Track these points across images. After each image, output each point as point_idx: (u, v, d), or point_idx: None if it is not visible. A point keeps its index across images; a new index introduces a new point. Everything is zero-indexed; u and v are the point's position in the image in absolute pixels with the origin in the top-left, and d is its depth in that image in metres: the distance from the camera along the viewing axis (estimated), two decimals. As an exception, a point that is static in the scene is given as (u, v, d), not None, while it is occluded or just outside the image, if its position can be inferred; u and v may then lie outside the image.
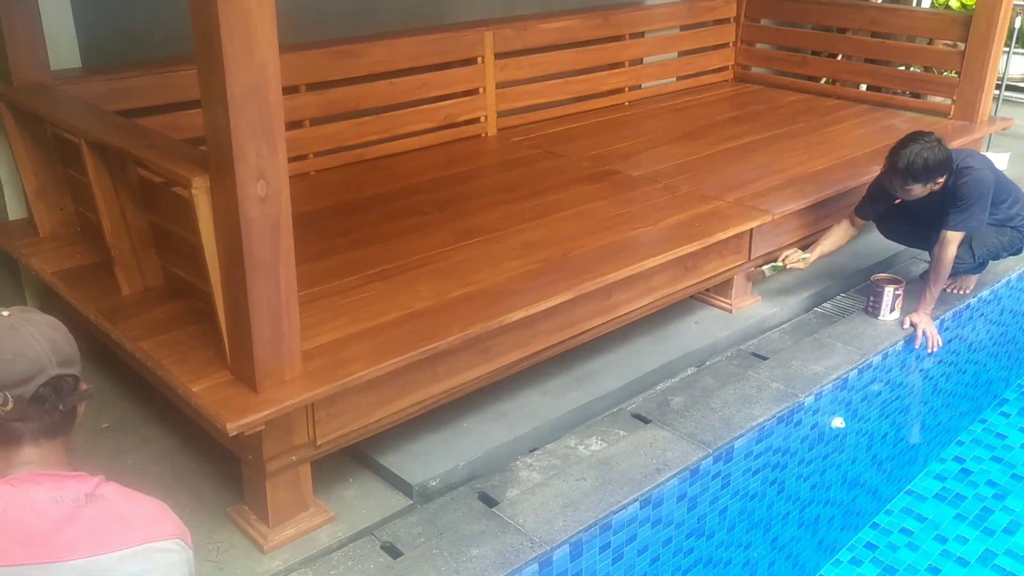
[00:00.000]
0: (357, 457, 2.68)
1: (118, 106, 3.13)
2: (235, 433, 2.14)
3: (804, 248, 3.51)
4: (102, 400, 2.96)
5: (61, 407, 1.38)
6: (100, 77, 3.21)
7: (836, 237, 3.46)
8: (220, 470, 2.61)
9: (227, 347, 2.31)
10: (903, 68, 5.08)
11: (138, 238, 2.70)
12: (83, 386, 1.44)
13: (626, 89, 4.97)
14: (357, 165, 3.93)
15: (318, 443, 2.38)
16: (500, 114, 4.42)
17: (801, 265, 3.42)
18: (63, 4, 3.22)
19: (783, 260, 3.42)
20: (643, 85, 5.08)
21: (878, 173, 3.34)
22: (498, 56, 4.33)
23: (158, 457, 2.72)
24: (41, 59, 3.00)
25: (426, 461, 2.64)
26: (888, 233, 3.63)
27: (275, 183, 2.11)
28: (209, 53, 1.97)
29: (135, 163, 2.59)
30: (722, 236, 3.25)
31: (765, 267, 3.46)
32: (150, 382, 2.64)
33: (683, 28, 5.22)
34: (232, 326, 2.26)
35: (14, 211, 3.29)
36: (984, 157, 3.45)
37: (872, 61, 5.08)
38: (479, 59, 4.27)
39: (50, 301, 3.21)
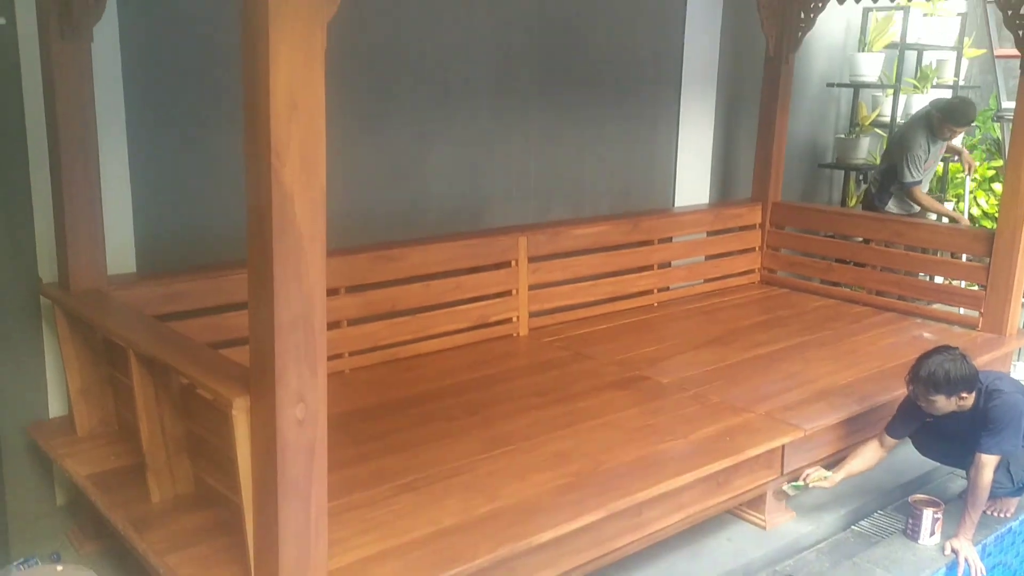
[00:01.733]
0: None
1: (168, 309, 3.26)
2: (255, 663, 2.08)
3: (831, 466, 3.46)
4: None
5: None
6: (153, 282, 3.35)
7: (865, 458, 3.42)
8: None
9: (252, 567, 2.29)
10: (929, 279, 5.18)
11: (173, 445, 2.74)
12: None
13: (655, 291, 5.09)
14: (391, 364, 4.00)
15: (338, 671, 2.31)
16: (532, 314, 4.53)
17: (825, 484, 3.37)
18: (125, 212, 3.43)
19: (805, 479, 3.37)
20: (671, 287, 5.20)
21: (909, 392, 3.34)
22: (531, 260, 4.49)
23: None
24: (99, 266, 3.16)
25: None
26: (923, 450, 3.59)
27: (313, 405, 2.16)
28: (261, 283, 2.08)
29: (173, 371, 2.67)
30: (753, 452, 3.23)
31: (786, 487, 3.40)
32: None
33: (710, 233, 5.40)
34: (260, 545, 2.26)
35: (55, 409, 3.37)
36: (1015, 380, 3.45)
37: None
38: (513, 262, 4.42)
39: (79, 499, 3.23)
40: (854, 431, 3.62)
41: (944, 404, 3.21)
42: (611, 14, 4.94)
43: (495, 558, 2.52)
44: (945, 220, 5.74)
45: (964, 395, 3.19)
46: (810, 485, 3.36)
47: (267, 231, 2.03)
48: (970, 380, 3.18)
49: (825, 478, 3.36)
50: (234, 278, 3.49)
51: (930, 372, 3.16)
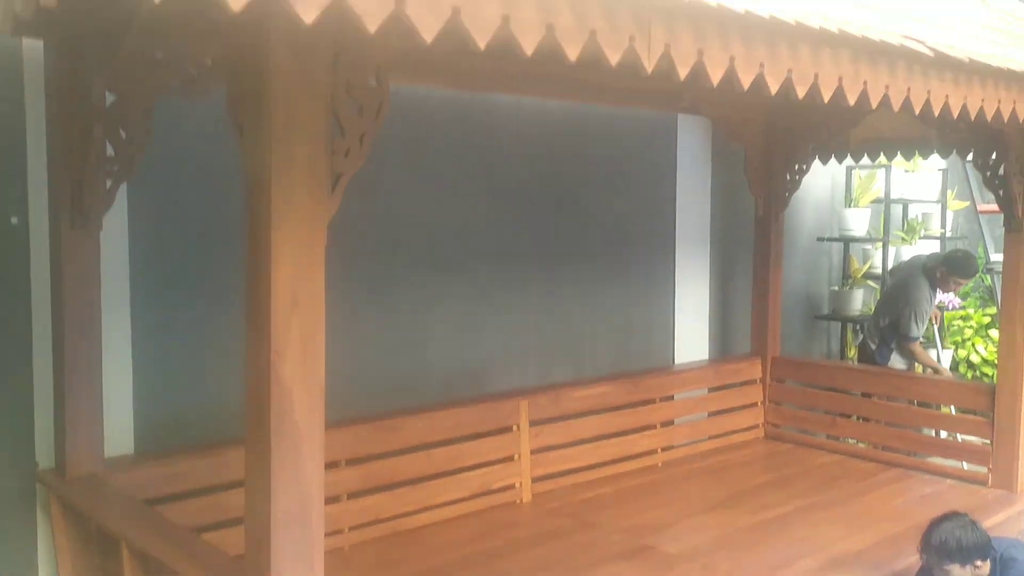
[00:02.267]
0: None
1: (167, 490, 3.22)
2: None
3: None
4: None
5: None
6: (151, 464, 3.33)
7: None
8: None
9: None
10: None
11: (166, 639, 2.65)
12: None
13: (658, 450, 5.03)
14: (392, 538, 3.90)
15: None
16: (535, 479, 4.46)
17: None
18: (125, 392, 3.44)
19: None
20: (675, 445, 5.14)
21: (922, 562, 3.26)
22: (533, 423, 4.46)
23: None
24: (97, 450, 3.15)
25: None
26: None
27: (310, 604, 2.11)
28: (257, 476, 2.07)
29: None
30: (767, 630, 3.12)
31: None
32: None
33: (711, 389, 5.40)
34: None
35: (46, 597, 3.28)
36: (1030, 546, 3.37)
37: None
38: (514, 427, 4.40)
39: None
40: (870, 602, 3.51)
41: (959, 573, 3.12)
42: (604, 179, 5.13)
43: None
44: (929, 371, 5.76)
45: (979, 563, 3.11)
46: None
47: (265, 425, 2.04)
48: (983, 547, 3.11)
49: None
50: (232, 455, 3.44)
51: (942, 541, 3.09)
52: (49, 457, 3.25)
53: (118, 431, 3.38)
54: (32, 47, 3.18)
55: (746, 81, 2.05)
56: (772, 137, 5.26)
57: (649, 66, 1.86)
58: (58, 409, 3.12)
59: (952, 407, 5.21)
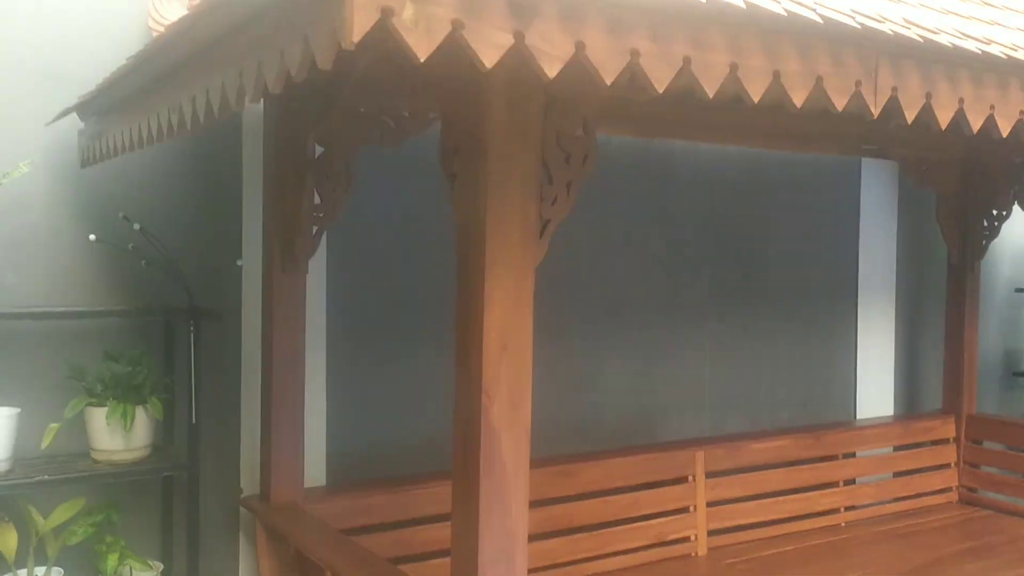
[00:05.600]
0: None
1: (357, 523, 3.34)
2: None
3: None
4: None
5: None
6: (344, 496, 3.47)
7: None
8: None
9: None
10: None
11: (361, 670, 2.73)
12: None
13: (841, 510, 4.79)
14: (567, 586, 3.89)
15: None
16: (711, 533, 4.34)
17: None
18: (320, 427, 3.61)
19: None
20: (859, 506, 4.88)
21: None
22: (709, 475, 4.35)
23: None
24: (298, 480, 3.31)
25: None
26: None
27: (512, 641, 2.12)
28: (465, 519, 2.12)
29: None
30: None
31: None
32: None
33: (896, 448, 5.10)
34: None
35: (246, 618, 3.46)
36: None
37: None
38: (690, 477, 4.31)
39: None
40: None
41: None
42: (784, 226, 5.00)
43: None
44: None
45: None
46: None
47: (473, 466, 2.08)
48: None
49: None
50: (418, 493, 3.57)
51: None
52: (252, 486, 3.45)
53: (312, 464, 3.54)
54: (250, 106, 3.45)
55: (976, 124, 1.96)
56: (968, 181, 4.98)
57: (875, 110, 1.81)
58: (264, 440, 3.31)
59: None
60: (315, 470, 3.60)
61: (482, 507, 2.07)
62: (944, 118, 1.92)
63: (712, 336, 4.79)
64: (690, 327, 4.73)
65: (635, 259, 4.54)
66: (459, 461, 2.15)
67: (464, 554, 2.12)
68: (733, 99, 1.77)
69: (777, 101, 1.70)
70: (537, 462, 4.01)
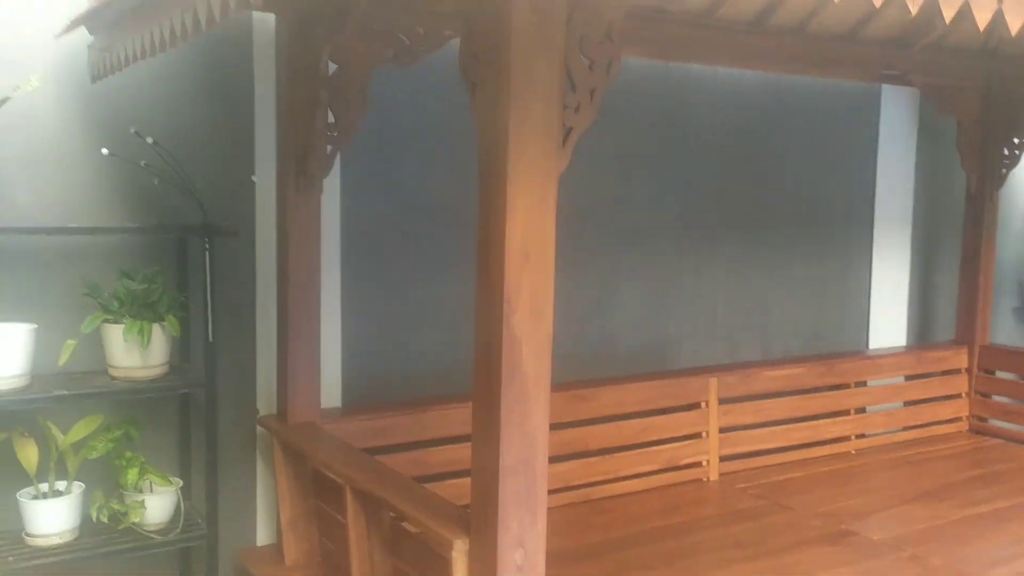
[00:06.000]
0: None
1: (372, 443, 3.36)
2: None
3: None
4: None
5: None
6: (359, 417, 3.48)
7: None
8: None
9: None
10: None
11: (380, 581, 2.77)
12: None
13: (852, 438, 4.81)
14: (582, 505, 3.93)
15: None
16: (723, 458, 4.37)
17: None
18: (335, 350, 3.62)
19: None
20: (869, 434, 4.91)
21: None
22: (722, 401, 4.37)
23: None
24: (315, 400, 3.32)
25: None
26: None
27: (532, 553, 2.14)
28: (486, 426, 2.12)
29: (389, 509, 2.72)
30: (990, 626, 2.92)
31: None
32: None
33: (908, 378, 5.10)
34: None
35: (263, 536, 3.50)
36: None
37: None
38: (703, 404, 4.32)
39: (282, 630, 3.30)
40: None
41: None
42: (801, 154, 4.93)
43: None
44: None
45: None
46: None
47: (495, 375, 2.08)
48: None
49: None
50: (435, 414, 3.59)
51: None
52: (268, 406, 3.46)
53: (328, 386, 3.55)
54: (261, 20, 3.38)
55: (1015, 26, 1.89)
56: (989, 108, 4.89)
57: (914, 9, 1.74)
58: (280, 362, 3.31)
59: None
60: (331, 392, 3.61)
61: (503, 416, 2.07)
62: (983, 19, 1.85)
63: (726, 264, 4.76)
64: (704, 255, 4.70)
65: (649, 186, 4.49)
66: (481, 370, 2.14)
67: (484, 463, 2.13)
68: (756, 20, 1.70)
69: (805, 17, 1.63)
70: (554, 387, 4.05)
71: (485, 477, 2.13)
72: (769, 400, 4.54)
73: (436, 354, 3.89)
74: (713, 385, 4.35)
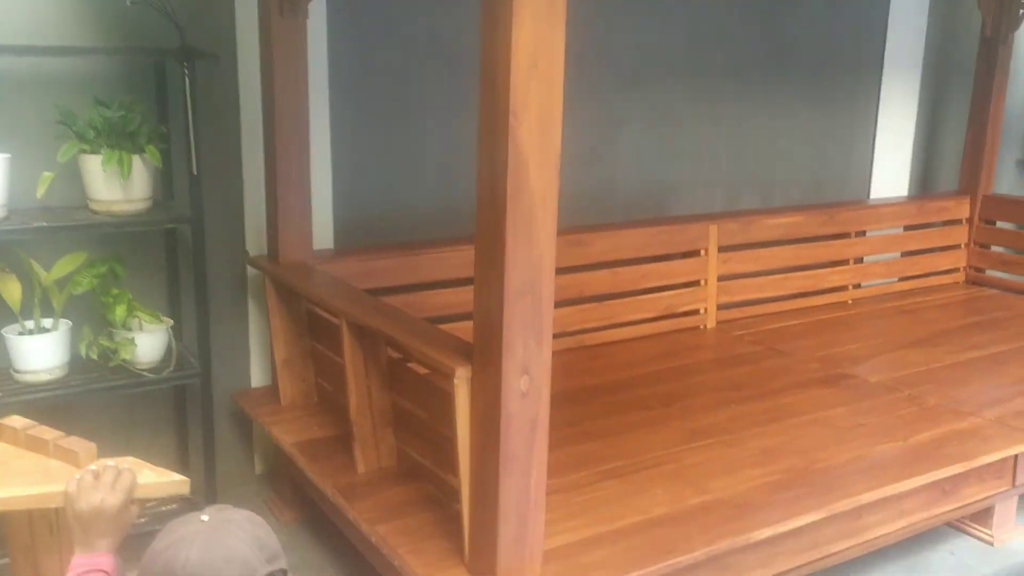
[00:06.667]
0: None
1: (366, 285, 3.26)
2: (475, 640, 2.02)
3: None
4: (318, 576, 2.94)
5: None
6: (352, 258, 3.39)
7: None
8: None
9: (467, 541, 2.23)
10: None
11: (379, 417, 2.74)
12: None
13: (849, 287, 4.78)
14: (579, 351, 3.91)
15: (549, 657, 2.22)
16: (720, 307, 4.33)
17: None
18: (325, 189, 3.48)
19: None
20: (865, 284, 4.87)
21: None
22: (721, 249, 4.29)
23: (373, 647, 2.62)
24: (306, 239, 3.21)
25: None
26: None
27: (538, 379, 2.08)
28: (491, 247, 2.01)
29: (387, 344, 2.66)
30: (987, 459, 2.93)
31: None
32: (367, 559, 2.59)
33: (907, 228, 5.02)
34: (476, 520, 2.19)
35: (256, 379, 3.46)
36: None
37: None
38: (702, 251, 4.24)
39: (278, 468, 3.30)
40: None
41: None
42: (810, -6, 4.68)
43: (711, 552, 2.36)
44: None
45: None
46: None
47: (500, 193, 1.96)
48: None
49: None
50: (430, 256, 3.50)
51: None
52: (259, 247, 3.35)
53: (319, 228, 3.43)
54: None
55: None
56: (1012, -58, 4.62)
57: None
58: (270, 199, 3.18)
59: None
60: (322, 234, 3.49)
61: (508, 236, 1.96)
62: None
63: (730, 110, 4.58)
64: (708, 101, 4.51)
65: (654, 28, 4.25)
66: (485, 191, 2.02)
67: (488, 287, 2.04)
68: None
69: None
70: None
71: (489, 301, 2.04)
72: (768, 248, 4.46)
73: (431, 199, 3.76)
74: (713, 232, 4.25)
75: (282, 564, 1.37)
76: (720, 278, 4.31)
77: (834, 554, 2.72)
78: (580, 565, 2.25)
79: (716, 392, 3.47)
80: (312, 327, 3.16)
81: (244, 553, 1.31)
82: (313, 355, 3.21)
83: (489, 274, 2.02)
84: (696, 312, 4.28)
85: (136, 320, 2.92)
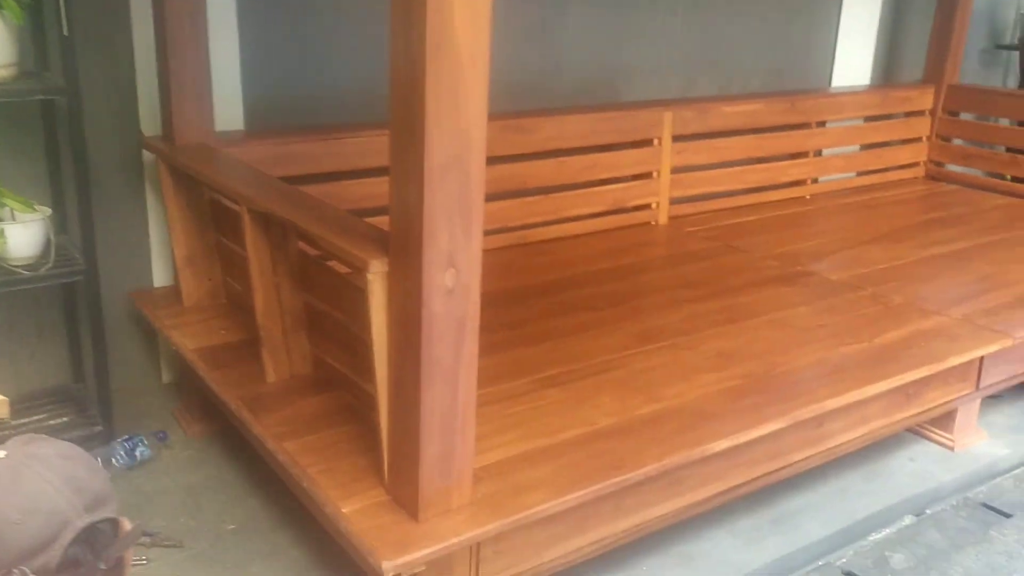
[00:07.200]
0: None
1: (279, 172, 2.87)
2: (392, 574, 1.75)
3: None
4: (229, 495, 2.65)
5: (103, 565, 1.02)
6: (263, 141, 2.99)
7: None
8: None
9: (386, 460, 1.95)
10: None
11: (290, 320, 2.41)
12: (126, 526, 1.07)
13: (808, 181, 4.51)
14: (520, 248, 3.60)
15: (481, 586, 1.97)
16: (673, 201, 4.04)
17: None
18: (232, 64, 3.04)
19: None
20: (823, 179, 4.61)
21: None
22: (675, 139, 3.97)
23: (288, 573, 2.35)
24: (207, 119, 2.81)
25: (600, 613, 2.20)
26: None
27: (466, 273, 1.76)
28: (407, 116, 1.66)
29: (297, 237, 2.31)
30: (956, 361, 2.73)
31: None
32: (283, 479, 2.31)
33: (868, 119, 4.75)
34: (395, 436, 1.90)
35: (159, 278, 3.09)
36: None
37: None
38: (655, 141, 3.92)
39: (186, 377, 2.97)
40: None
41: None
42: None
43: (663, 467, 2.12)
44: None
45: None
46: None
47: (418, 48, 1.59)
48: None
49: None
50: (351, 141, 3.12)
51: None
52: (155, 128, 2.93)
53: (225, 103, 3.02)
54: None
55: None
56: None
57: None
58: (161, 65, 2.75)
59: None
60: (229, 113, 3.08)
61: (429, 100, 1.61)
62: None
63: (685, -12, 4.19)
64: (662, -24, 4.11)
65: None
66: (399, 48, 1.65)
67: (406, 165, 1.69)
68: None
69: None
70: (488, 116, 3.58)
71: (407, 182, 1.70)
72: (726, 138, 4.15)
73: (358, 78, 3.33)
74: (667, 120, 3.92)
75: (110, 512, 1.05)
76: (674, 170, 4.00)
77: (792, 464, 2.51)
78: (516, 484, 1.99)
79: (668, 291, 3.20)
80: (217, 219, 2.79)
81: (52, 501, 0.98)
82: (219, 250, 2.84)
83: (406, 148, 1.68)
84: (647, 206, 3.98)
85: (6, 209, 2.51)
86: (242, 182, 2.43)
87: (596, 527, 2.11)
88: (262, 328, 2.36)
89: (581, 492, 1.98)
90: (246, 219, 2.28)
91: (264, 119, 3.18)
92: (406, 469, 1.87)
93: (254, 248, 2.31)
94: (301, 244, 2.35)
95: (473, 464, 1.93)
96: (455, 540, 1.81)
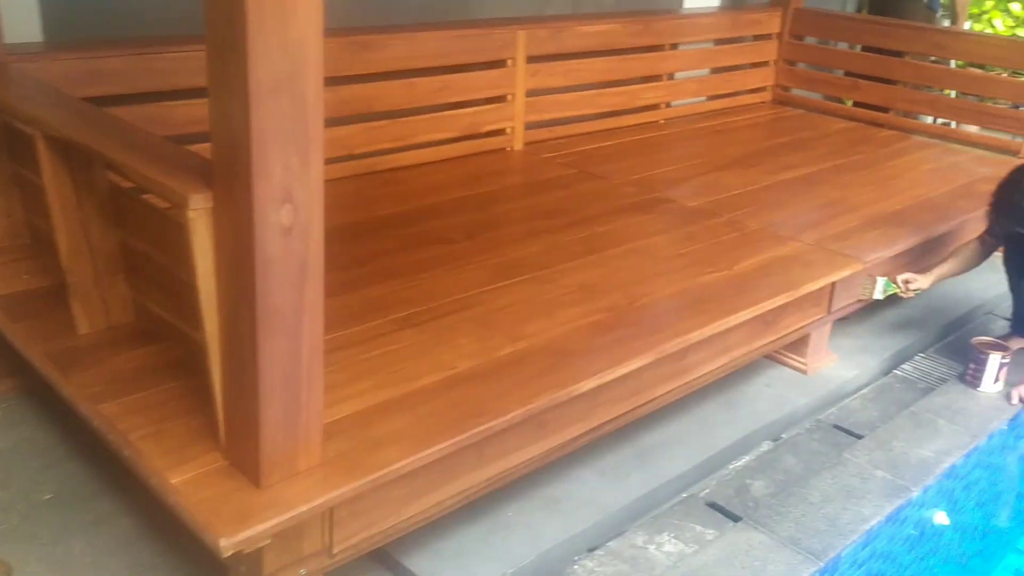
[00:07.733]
0: (378, 559, 2.09)
1: (87, 92, 2.51)
2: (231, 552, 1.55)
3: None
4: (44, 460, 2.35)
5: None
6: (66, 55, 2.59)
7: (962, 259, 3.00)
8: (197, 567, 2.01)
9: (221, 420, 1.72)
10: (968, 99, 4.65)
11: (103, 262, 2.10)
12: None
13: (662, 106, 4.46)
14: (367, 177, 3.35)
15: (334, 551, 1.80)
16: (528, 126, 3.88)
17: (924, 285, 2.96)
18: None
19: (904, 284, 2.92)
20: (676, 103, 4.57)
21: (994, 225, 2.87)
22: (530, 60, 3.78)
23: (114, 545, 2.10)
24: (-11, 25, 2.38)
25: (463, 565, 2.08)
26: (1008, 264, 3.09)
27: (306, 210, 1.53)
28: (226, 24, 1.39)
29: (106, 166, 2.00)
30: (813, 287, 2.74)
31: (878, 286, 2.93)
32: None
33: (718, 42, 4.72)
34: (231, 393, 1.68)
35: (-52, 213, 2.66)
36: None
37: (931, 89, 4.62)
38: (509, 61, 3.72)
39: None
40: (912, 264, 3.15)
41: None
42: None
43: (528, 412, 2.00)
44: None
45: None
46: (908, 290, 2.93)
47: (236, -61, 1.33)
48: None
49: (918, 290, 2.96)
50: (175, 56, 2.76)
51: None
52: (-72, 38, 2.48)
53: (19, 14, 2.59)
54: None
55: None
56: None
57: None
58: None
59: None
60: (23, 20, 2.65)
61: (251, 9, 1.35)
62: None
63: None
64: None
65: None
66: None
67: (227, 84, 1.43)
68: None
69: None
70: (327, 32, 3.27)
71: (230, 104, 1.44)
72: (581, 60, 4.00)
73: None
74: (521, 39, 3.73)
75: None
76: (529, 93, 3.83)
77: (656, 398, 2.45)
78: (371, 439, 1.81)
79: (526, 222, 3.07)
80: (11, 146, 2.40)
81: None
82: (18, 183, 2.46)
83: (225, 61, 1.42)
84: (502, 131, 3.80)
85: None
86: (34, 103, 2.07)
87: (458, 478, 1.97)
88: (68, 272, 2.05)
89: (442, 445, 1.83)
90: (40, 146, 1.94)
91: (67, 29, 2.76)
92: (244, 430, 1.66)
93: (53, 180, 1.98)
94: (113, 175, 2.04)
95: (322, 420, 1.74)
96: (304, 508, 1.63)
